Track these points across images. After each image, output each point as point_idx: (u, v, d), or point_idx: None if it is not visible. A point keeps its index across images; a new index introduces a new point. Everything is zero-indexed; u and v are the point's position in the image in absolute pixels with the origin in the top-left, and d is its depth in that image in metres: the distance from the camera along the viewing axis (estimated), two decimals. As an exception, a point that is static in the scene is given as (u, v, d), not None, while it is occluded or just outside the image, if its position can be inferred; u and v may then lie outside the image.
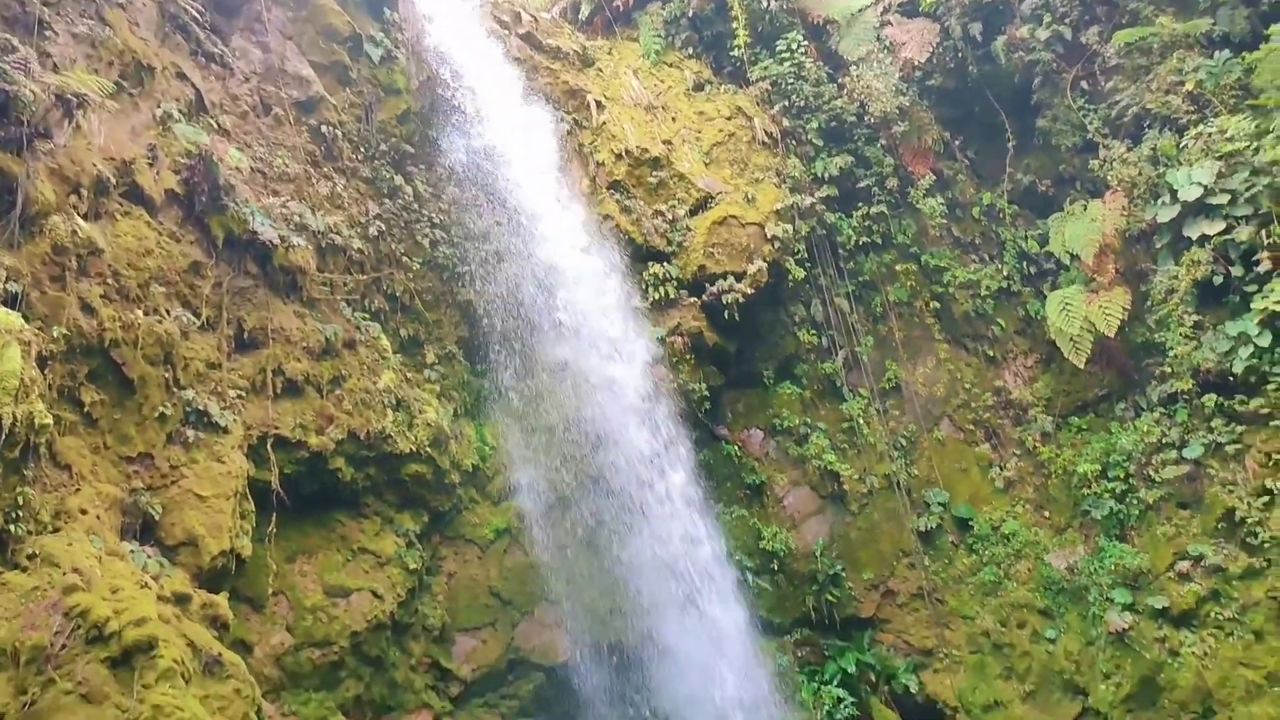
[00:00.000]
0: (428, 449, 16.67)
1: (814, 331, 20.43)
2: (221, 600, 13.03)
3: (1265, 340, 16.52)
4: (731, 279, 18.86)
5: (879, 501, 19.57)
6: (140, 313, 12.76)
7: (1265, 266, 16.42)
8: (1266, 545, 16.85)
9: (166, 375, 13.05)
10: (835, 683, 17.53)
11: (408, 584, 16.31)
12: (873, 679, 18.07)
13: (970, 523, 19.37)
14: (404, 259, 17.25)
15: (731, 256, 19.12)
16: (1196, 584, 17.31)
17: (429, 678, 16.48)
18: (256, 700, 12.29)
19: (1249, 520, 17.10)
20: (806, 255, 20.31)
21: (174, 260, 13.58)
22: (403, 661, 16.21)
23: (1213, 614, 17.08)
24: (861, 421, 19.90)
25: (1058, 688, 17.59)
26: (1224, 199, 16.87)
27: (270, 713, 13.17)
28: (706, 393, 18.82)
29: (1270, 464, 17.22)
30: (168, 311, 13.24)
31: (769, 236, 19.35)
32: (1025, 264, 21.11)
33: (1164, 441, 18.23)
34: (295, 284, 15.42)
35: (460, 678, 16.53)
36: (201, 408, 13.33)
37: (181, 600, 12.26)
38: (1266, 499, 17.09)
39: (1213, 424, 17.83)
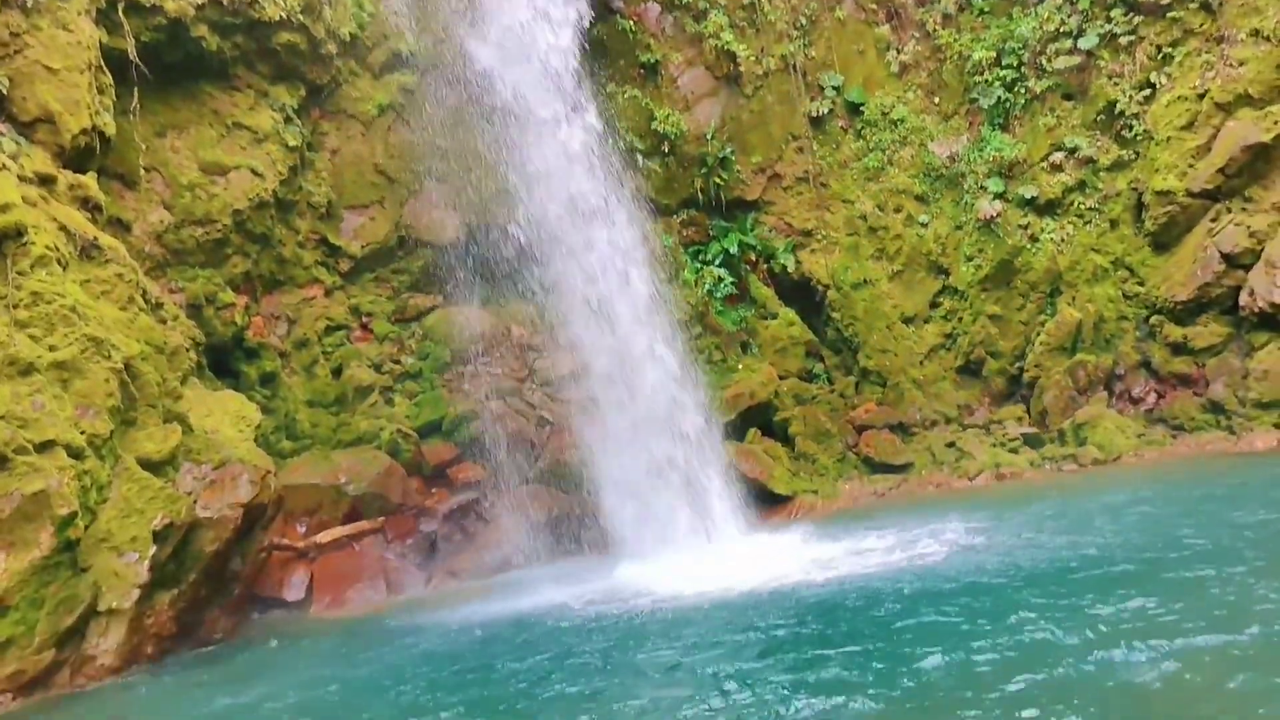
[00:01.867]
0: (299, 16, 15.48)
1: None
2: (90, 180, 12.47)
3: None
4: None
5: (773, 84, 19.27)
6: None
7: None
8: (1139, 138, 17.45)
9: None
10: (717, 263, 18.27)
11: (288, 161, 15.83)
12: (753, 258, 18.88)
13: (861, 108, 19.38)
14: None
15: None
16: (1066, 175, 18.05)
17: (318, 254, 16.54)
18: (140, 283, 12.22)
19: (1127, 113, 17.55)
20: None
21: None
22: (290, 238, 16.14)
23: (1075, 203, 18.01)
24: (763, -2, 19.05)
25: (923, 268, 18.71)
26: None
27: (156, 290, 13.16)
28: (601, -40, 17.50)
29: (1159, 57, 17.37)
30: None
31: None
32: None
33: (1061, 30, 18.08)
34: None
35: (349, 254, 16.63)
36: (34, -34, 11.85)
37: (46, 181, 11.69)
38: (1148, 92, 17.44)
39: (1112, 13, 17.68)
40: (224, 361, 14.98)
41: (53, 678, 9.88)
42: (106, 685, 9.89)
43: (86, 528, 10.35)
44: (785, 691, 6.33)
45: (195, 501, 11.57)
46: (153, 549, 10.76)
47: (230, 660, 10.78)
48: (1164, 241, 17.22)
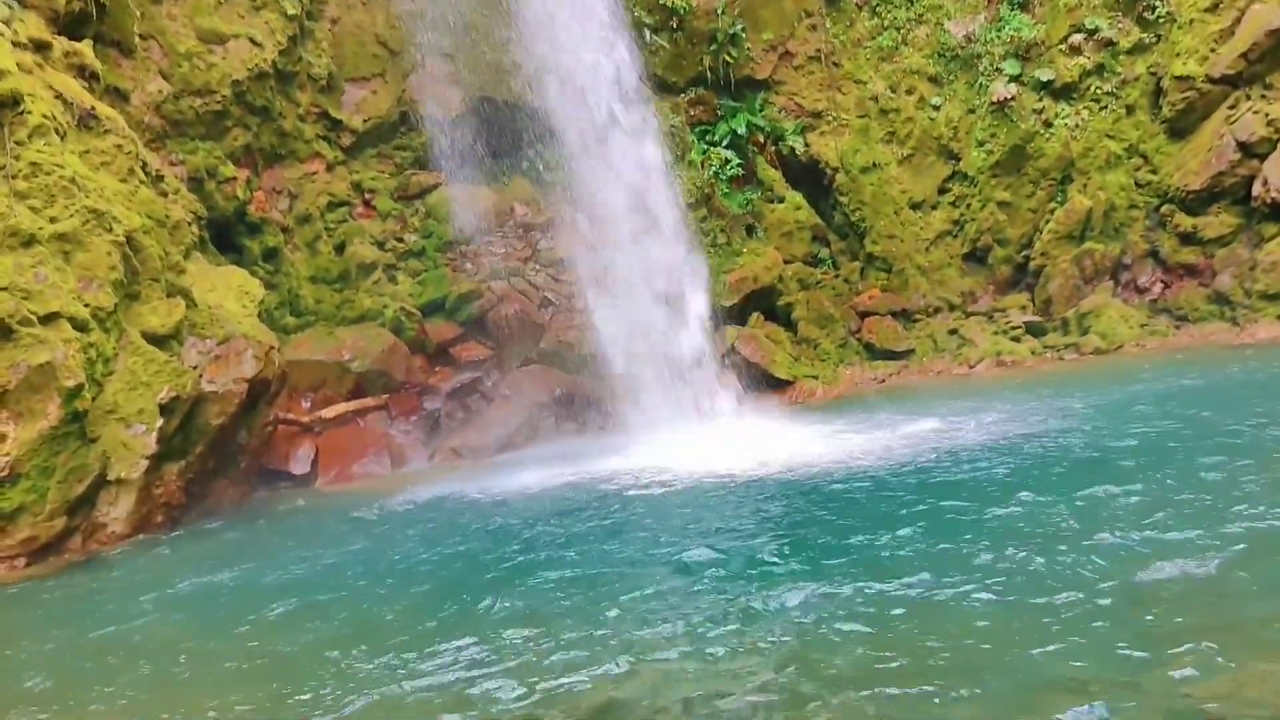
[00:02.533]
0: (296, -123, 14.93)
1: None
2: (85, 48, 12.22)
3: None
4: None
5: (787, -43, 18.64)
6: None
7: None
8: (1161, 20, 16.96)
9: None
10: (725, 144, 17.97)
11: (287, 30, 15.48)
12: (761, 140, 18.56)
13: (877, -17, 18.79)
14: None
15: None
16: (1084, 58, 17.59)
17: (319, 128, 16.30)
18: (140, 155, 12.08)
19: (1152, -7, 17.02)
20: None
21: None
22: (290, 111, 15.89)
23: (1092, 88, 17.60)
24: None
25: (933, 152, 18.41)
26: None
27: (156, 163, 13.02)
28: None
29: (1188, -65, 16.74)
30: None
31: None
32: None
33: (1088, -96, 17.39)
34: None
35: (351, 128, 16.39)
36: None
37: (41, 48, 11.45)
38: (1174, -29, 16.86)
39: (1142, -112, 16.97)
40: (226, 236, 14.91)
41: (65, 544, 10.15)
42: (117, 551, 10.16)
43: (93, 400, 10.47)
44: (772, 560, 6.52)
45: (200, 376, 11.67)
46: (159, 421, 10.92)
47: (238, 530, 11.04)
48: (1180, 129, 16.89)
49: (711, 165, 17.69)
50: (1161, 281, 17.03)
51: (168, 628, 7.04)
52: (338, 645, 6.00)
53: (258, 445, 13.18)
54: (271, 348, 12.72)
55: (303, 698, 5.13)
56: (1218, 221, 16.34)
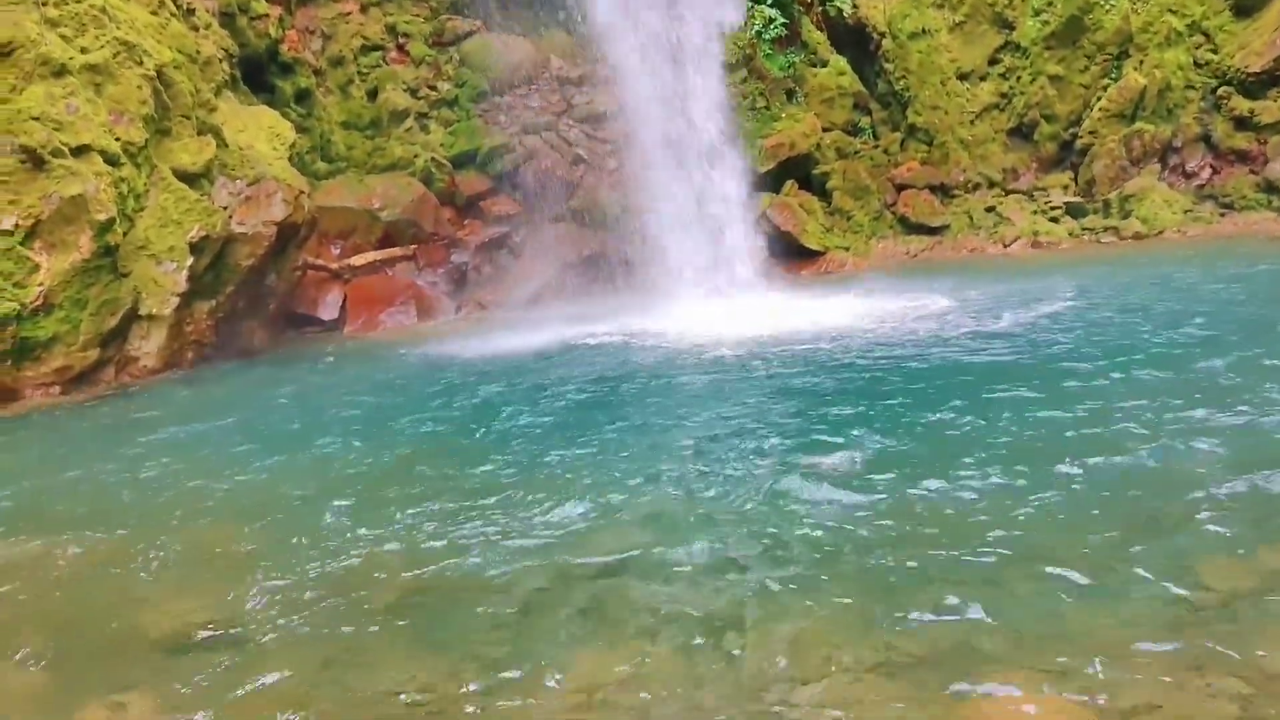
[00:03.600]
0: None
1: None
2: None
3: None
4: None
5: None
6: None
7: None
8: (1240, -113, 16.00)
9: None
10: (770, 2, 17.36)
11: None
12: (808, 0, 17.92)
13: None
14: None
15: None
16: (1155, -76, 16.69)
17: (353, -33, 15.86)
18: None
19: None
20: None
21: None
22: (324, -52, 15.44)
23: (1160, -43, 16.76)
24: None
25: (987, 20, 17.71)
26: None
27: (188, -3, 12.76)
28: None
29: None
30: None
31: None
32: None
33: None
34: None
35: (386, -31, 15.95)
36: None
37: None
38: None
39: None
40: (258, 76, 14.71)
41: (98, 374, 10.40)
42: (148, 384, 10.41)
43: (125, 235, 10.56)
44: (787, 422, 6.59)
45: (230, 216, 11.71)
46: (189, 260, 11.02)
47: (267, 370, 11.25)
48: (1246, 6, 16.13)
49: (755, 24, 17.13)
50: (1210, 167, 16.54)
51: (196, 460, 7.27)
52: (370, 482, 6.18)
53: (286, 289, 13.31)
54: (301, 192, 12.70)
55: (304, 539, 5.31)
56: (1275, 106, 15.75)
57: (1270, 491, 4.63)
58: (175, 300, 10.90)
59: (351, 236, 14.58)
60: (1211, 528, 4.28)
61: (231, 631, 4.04)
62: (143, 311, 10.77)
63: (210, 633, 4.05)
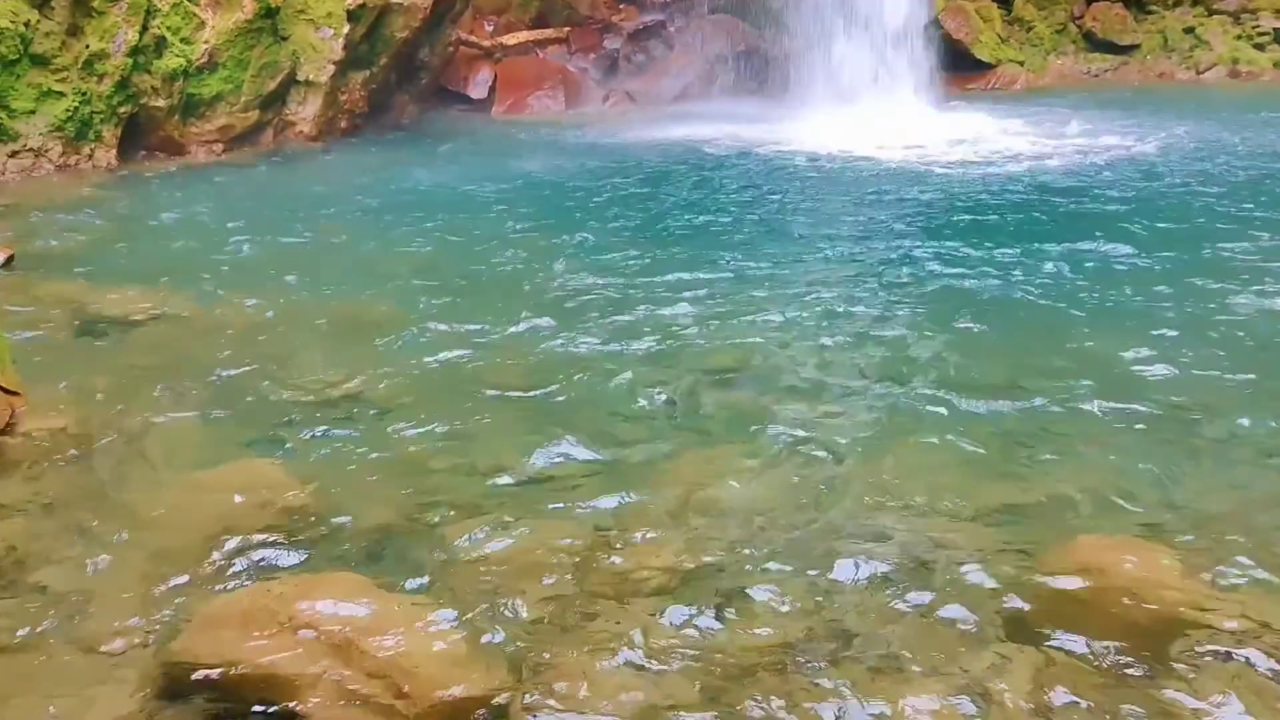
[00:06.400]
0: None
1: None
2: None
3: None
4: None
5: None
6: None
7: None
8: None
9: None
10: None
11: None
12: None
13: None
14: None
15: None
16: None
17: None
18: None
19: None
20: None
21: None
22: None
23: None
24: None
25: None
26: None
27: None
28: None
29: None
30: None
31: None
32: None
33: None
34: None
35: None
36: None
37: None
38: None
39: None
40: None
41: (258, 136, 10.75)
42: (304, 149, 10.75)
43: (285, -3, 10.65)
44: (910, 248, 6.43)
45: (387, -15, 11.63)
46: (346, 27, 11.07)
47: (417, 143, 11.44)
48: None
49: None
50: None
51: (352, 213, 7.58)
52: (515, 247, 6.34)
53: (439, 64, 13.30)
54: (458, -36, 12.46)
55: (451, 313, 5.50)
56: None
57: None
58: (331, 68, 11.04)
59: (505, 14, 14.35)
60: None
61: (368, 399, 4.27)
62: (300, 77, 10.97)
63: (352, 394, 4.29)
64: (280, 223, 7.51)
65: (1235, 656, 2.47)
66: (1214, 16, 15.78)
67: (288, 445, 3.82)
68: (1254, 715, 2.27)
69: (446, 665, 2.43)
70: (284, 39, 10.76)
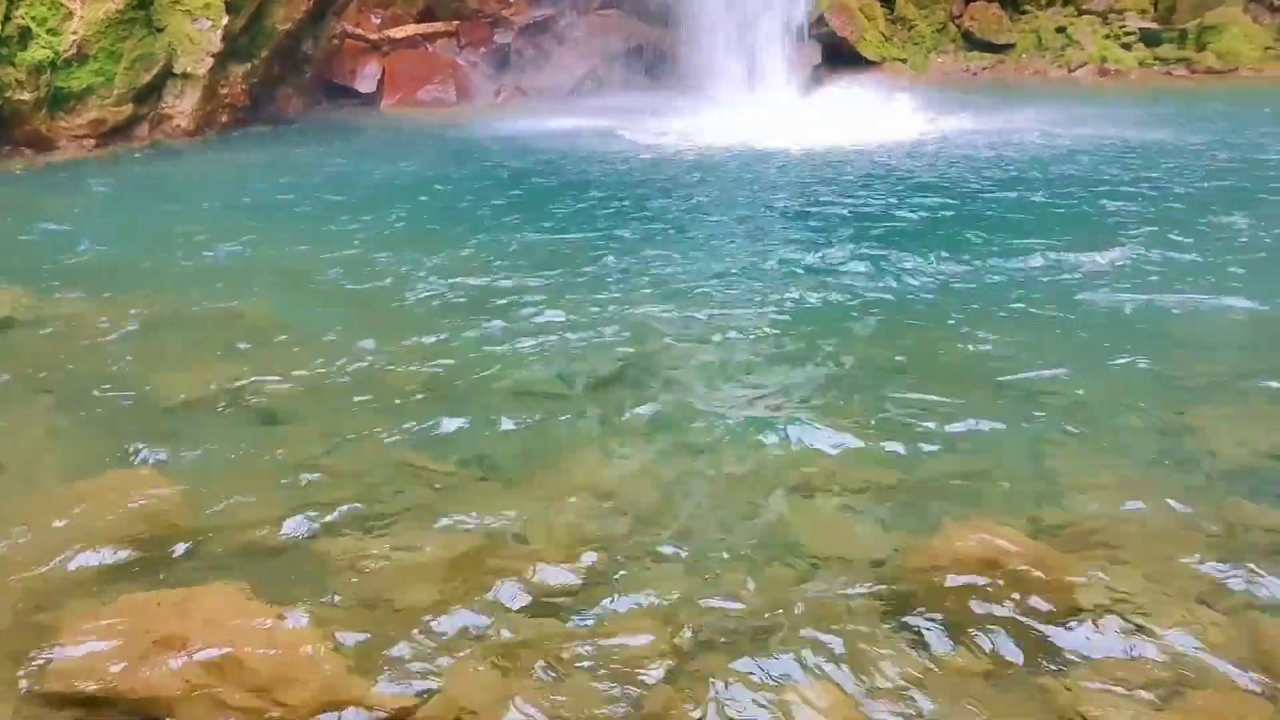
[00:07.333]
0: None
1: None
2: None
3: None
4: None
5: None
6: None
7: None
8: None
9: None
10: None
11: None
12: None
13: None
14: None
15: None
16: None
17: None
18: None
19: None
20: None
21: None
22: None
23: None
24: None
25: None
26: None
27: None
28: None
29: None
30: None
31: None
32: None
33: None
34: None
35: None
36: None
37: None
38: None
39: None
40: None
41: (133, 130, 10.38)
42: (182, 144, 10.41)
43: (159, -13, 10.29)
44: (782, 226, 6.59)
45: (268, -25, 11.34)
46: (225, 19, 10.76)
47: (300, 137, 11.17)
48: None
49: None
50: (1301, 1, 15.52)
51: (228, 211, 7.35)
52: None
53: (324, 58, 13.03)
54: (341, -45, 12.22)
55: (341, 311, 5.40)
56: (1386, -59, 14.61)
57: None
58: (210, 60, 10.72)
59: (392, 7, 14.11)
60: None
61: (247, 400, 4.16)
62: (177, 70, 10.62)
63: (225, 400, 4.18)
64: (147, 220, 7.26)
65: (1100, 632, 2.59)
66: (1084, 16, 16.46)
67: (159, 453, 3.69)
68: (1123, 688, 2.39)
69: (327, 676, 2.40)
70: (159, 30, 10.40)
